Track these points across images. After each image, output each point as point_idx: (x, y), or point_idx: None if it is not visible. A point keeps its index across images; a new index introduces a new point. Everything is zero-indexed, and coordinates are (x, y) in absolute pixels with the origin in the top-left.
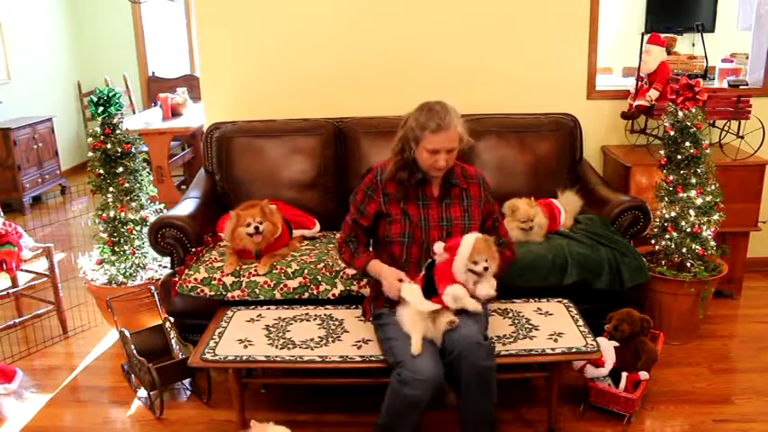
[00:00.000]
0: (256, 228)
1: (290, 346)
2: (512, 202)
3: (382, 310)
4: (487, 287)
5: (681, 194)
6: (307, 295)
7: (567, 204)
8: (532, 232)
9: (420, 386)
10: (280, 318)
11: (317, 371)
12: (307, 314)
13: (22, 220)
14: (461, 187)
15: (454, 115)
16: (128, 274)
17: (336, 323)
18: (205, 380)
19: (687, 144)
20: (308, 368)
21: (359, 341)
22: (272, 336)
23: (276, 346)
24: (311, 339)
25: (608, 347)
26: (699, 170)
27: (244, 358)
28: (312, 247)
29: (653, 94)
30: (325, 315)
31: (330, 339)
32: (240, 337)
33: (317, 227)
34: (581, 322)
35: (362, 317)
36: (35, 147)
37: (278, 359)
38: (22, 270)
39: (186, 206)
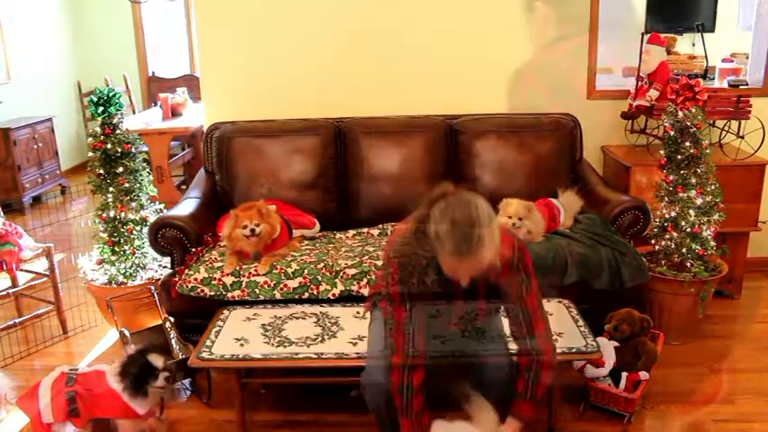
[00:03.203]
0: (252, 230)
1: (286, 344)
2: (508, 199)
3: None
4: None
5: (681, 194)
6: (307, 295)
7: (567, 204)
8: (519, 232)
9: (373, 391)
10: (275, 316)
11: (316, 370)
12: (302, 312)
13: (22, 220)
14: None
15: (486, 240)
16: (128, 274)
17: (332, 321)
18: (205, 380)
19: (687, 144)
20: (305, 366)
21: (354, 338)
22: (268, 334)
23: (272, 344)
24: (307, 337)
25: (608, 347)
26: (699, 170)
27: (240, 356)
28: (312, 247)
29: (653, 94)
30: (320, 313)
31: (326, 337)
32: (236, 336)
33: (317, 227)
34: (581, 322)
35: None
36: (35, 147)
37: (274, 357)
38: (22, 270)
39: (186, 206)
